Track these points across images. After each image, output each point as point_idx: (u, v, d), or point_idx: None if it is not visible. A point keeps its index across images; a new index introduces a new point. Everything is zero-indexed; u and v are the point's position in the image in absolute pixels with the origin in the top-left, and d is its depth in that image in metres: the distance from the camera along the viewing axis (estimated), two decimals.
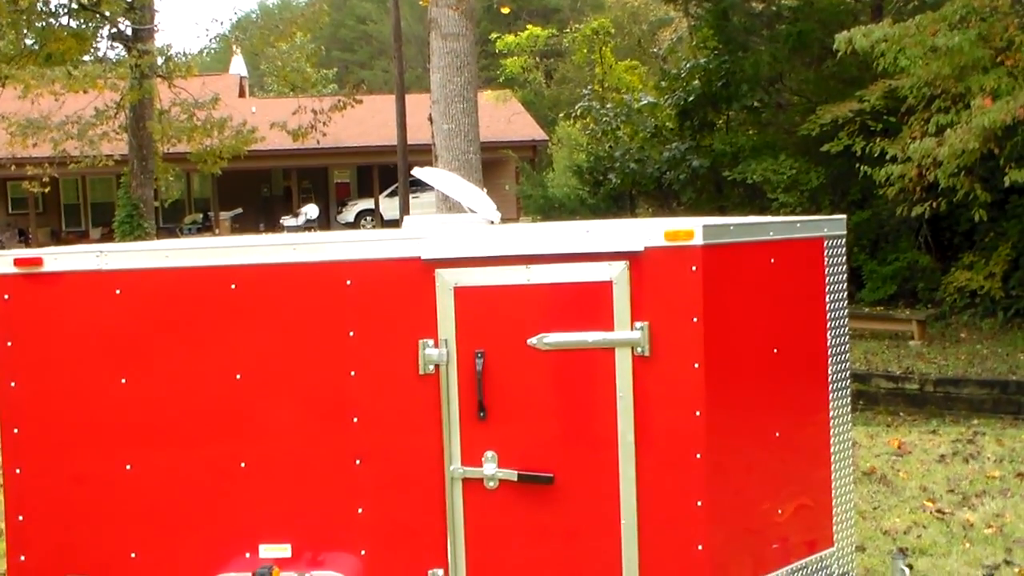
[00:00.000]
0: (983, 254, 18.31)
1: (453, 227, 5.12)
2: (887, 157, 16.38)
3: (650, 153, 23.43)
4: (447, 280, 4.62)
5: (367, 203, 41.44)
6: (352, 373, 4.67)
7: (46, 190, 24.74)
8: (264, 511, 4.73)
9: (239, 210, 40.78)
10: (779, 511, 5.02)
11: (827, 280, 5.20)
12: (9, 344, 4.76)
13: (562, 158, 34.28)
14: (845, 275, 5.27)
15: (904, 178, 16.04)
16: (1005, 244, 18.04)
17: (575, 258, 4.62)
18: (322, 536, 4.73)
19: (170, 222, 39.01)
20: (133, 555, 4.74)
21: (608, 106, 25.82)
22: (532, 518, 4.67)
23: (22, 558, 4.77)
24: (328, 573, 4.66)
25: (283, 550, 4.72)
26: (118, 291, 4.72)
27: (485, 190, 6.33)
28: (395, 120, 27.14)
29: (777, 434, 5.00)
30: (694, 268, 4.59)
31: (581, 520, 4.66)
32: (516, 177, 28.37)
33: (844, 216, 5.33)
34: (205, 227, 39.82)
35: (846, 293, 5.28)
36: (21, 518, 4.77)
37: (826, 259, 5.19)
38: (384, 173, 39.88)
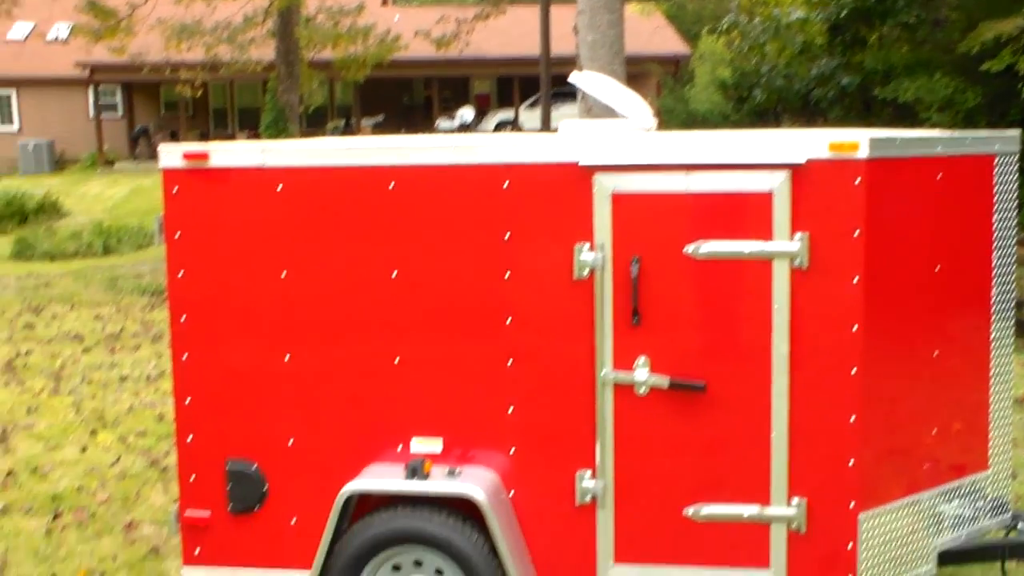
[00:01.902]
0: None
1: (611, 133, 5.09)
2: None
3: (797, 70, 22.85)
4: (605, 185, 4.61)
5: (507, 114, 41.37)
6: (507, 275, 4.72)
7: (198, 94, 25.29)
8: (417, 406, 4.83)
9: (380, 117, 41.16)
10: (933, 431, 4.94)
11: (996, 199, 5.04)
12: (178, 235, 4.92)
13: (704, 73, 33.66)
14: (1016, 195, 5.09)
15: None
16: None
17: (736, 167, 4.56)
18: (473, 433, 4.82)
19: (313, 127, 39.56)
20: (291, 442, 4.91)
21: (756, 21, 25.21)
22: (682, 425, 4.68)
23: (189, 439, 4.98)
24: (478, 468, 4.76)
25: (435, 444, 4.83)
26: (280, 186, 4.82)
27: None
28: (538, 31, 26.93)
29: (935, 354, 4.90)
30: (858, 181, 4.49)
31: (730, 430, 4.65)
32: (658, 91, 28.00)
33: (1017, 132, 5.13)
34: (347, 133, 40.29)
35: (1016, 214, 5.11)
36: (188, 401, 4.97)
37: (996, 177, 5.02)
38: (524, 84, 39.72)
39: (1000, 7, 18.78)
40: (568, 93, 29.81)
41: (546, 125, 25.45)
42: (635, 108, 5.39)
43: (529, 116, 39.07)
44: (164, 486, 7.36)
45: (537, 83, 33.64)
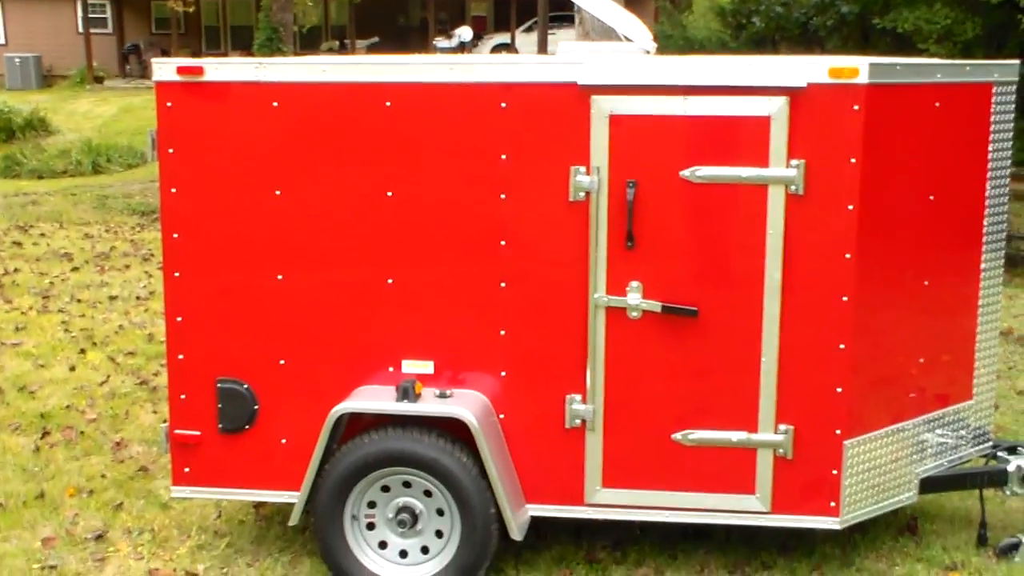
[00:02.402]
0: None
1: (610, 54, 5.04)
2: None
3: None
4: (603, 107, 4.57)
5: (503, 37, 40.95)
6: (502, 196, 4.69)
7: (190, 9, 25.02)
8: (408, 328, 4.83)
9: (375, 39, 40.69)
10: (920, 360, 4.96)
11: (992, 129, 5.01)
12: (171, 151, 4.87)
13: (703, 0, 33.36)
14: (1012, 126, 5.07)
15: None
16: None
17: (734, 91, 4.52)
18: (464, 355, 4.82)
19: (307, 48, 39.12)
20: (282, 362, 4.91)
21: None
22: (672, 350, 4.69)
23: (180, 356, 4.98)
24: (468, 391, 4.78)
25: (425, 366, 4.84)
26: (275, 103, 4.77)
27: None
28: None
29: (926, 283, 4.91)
30: (856, 107, 4.46)
31: (721, 356, 4.67)
32: (655, 16, 27.66)
33: (1018, 62, 5.09)
34: (342, 54, 39.91)
35: (1011, 145, 5.09)
36: (180, 319, 4.96)
37: (993, 107, 4.99)
38: (521, 7, 39.28)
39: None
40: (565, 17, 29.56)
41: (543, 49, 25.24)
42: (635, 31, 5.34)
43: (526, 40, 38.66)
44: (153, 405, 7.37)
45: (534, 6, 33.34)
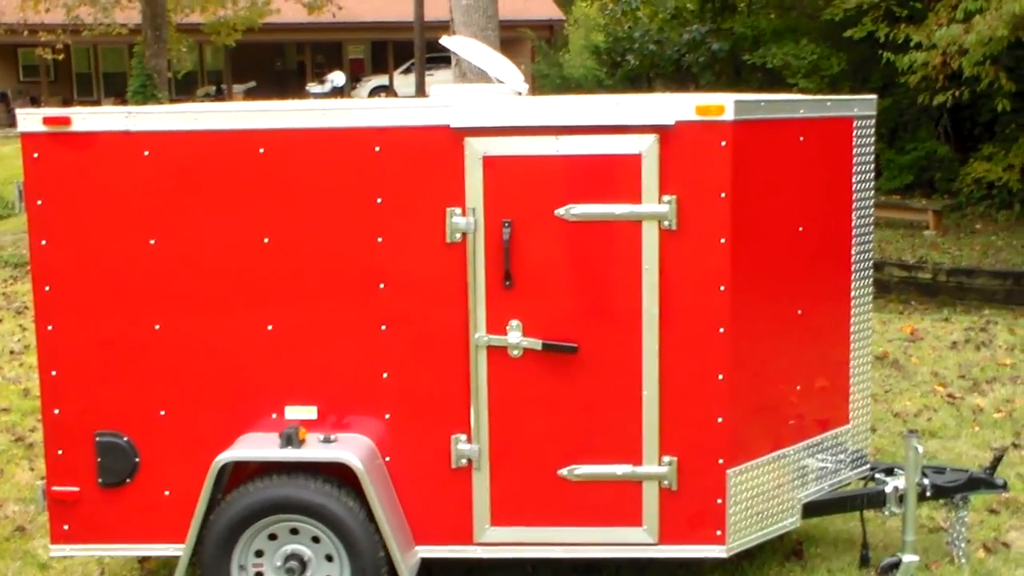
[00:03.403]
0: (1003, 145, 18.11)
1: (482, 97, 5.09)
2: (911, 44, 16.14)
3: (669, 35, 23.13)
4: (476, 149, 4.62)
5: (381, 79, 41.03)
6: (379, 239, 4.70)
7: (59, 57, 24.49)
8: (290, 374, 4.80)
9: (252, 83, 40.41)
10: (798, 387, 5.08)
11: (855, 161, 5.19)
12: (39, 203, 4.77)
13: (578, 38, 33.80)
14: (872, 157, 5.25)
15: (927, 66, 15.80)
16: None
17: (605, 130, 4.61)
18: (347, 399, 4.80)
19: (183, 94, 38.67)
20: (162, 413, 4.83)
21: None
22: (555, 387, 4.73)
23: (56, 411, 4.86)
24: (353, 435, 4.75)
25: (309, 412, 4.80)
26: (146, 152, 4.72)
27: None
28: None
29: (799, 312, 5.04)
30: (724, 143, 4.58)
31: (603, 391, 4.73)
32: (532, 56, 28.03)
33: (875, 96, 5.29)
34: (218, 99, 39.51)
35: (873, 175, 5.27)
36: (54, 373, 4.85)
37: (855, 140, 5.17)
38: (399, 49, 39.40)
39: None
40: (443, 58, 29.65)
41: (421, 90, 25.34)
42: (507, 72, 5.41)
43: (404, 82, 38.77)
44: (30, 463, 7.17)
45: (412, 48, 33.44)
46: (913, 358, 9.42)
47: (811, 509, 5.18)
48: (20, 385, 8.99)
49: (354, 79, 42.39)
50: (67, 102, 40.32)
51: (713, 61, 22.46)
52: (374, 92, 40.08)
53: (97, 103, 40.50)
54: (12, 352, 10.14)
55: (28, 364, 9.59)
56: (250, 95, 39.75)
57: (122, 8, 24.63)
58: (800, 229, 4.98)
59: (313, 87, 38.29)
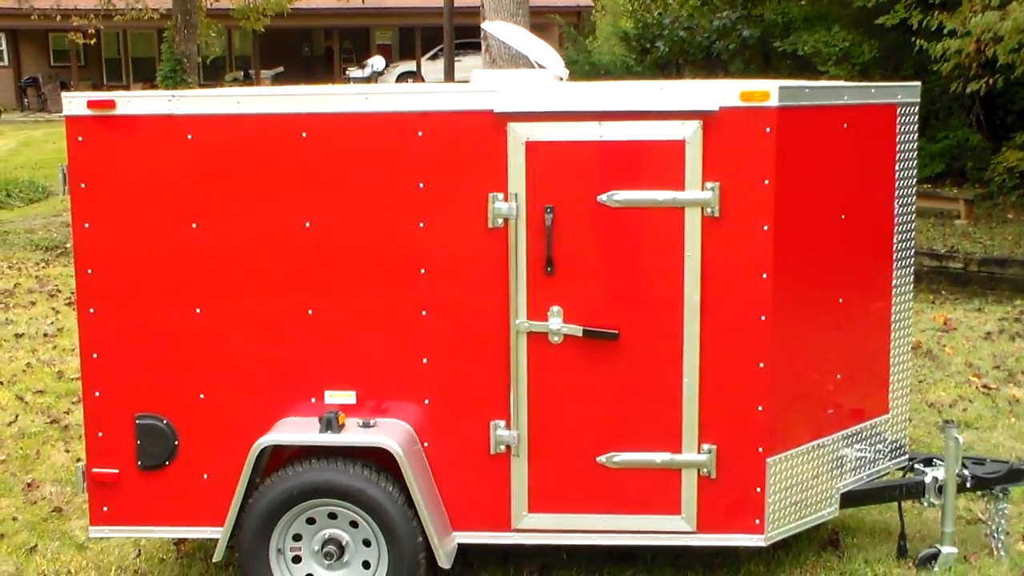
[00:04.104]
0: None
1: (524, 82, 5.08)
2: (944, 31, 16.00)
3: (700, 21, 22.96)
4: (519, 134, 4.60)
5: (408, 65, 41.03)
6: (421, 224, 4.70)
7: (91, 41, 24.62)
8: (330, 358, 4.80)
9: (280, 69, 40.47)
10: (837, 376, 5.06)
11: (898, 149, 5.15)
12: (83, 186, 4.79)
13: (606, 25, 33.61)
14: (915, 145, 5.20)
15: (961, 53, 15.68)
16: None
17: (648, 116, 4.59)
18: (386, 384, 4.81)
19: (211, 79, 38.78)
20: (202, 396, 4.85)
21: None
22: (594, 374, 4.72)
23: (97, 393, 4.88)
24: (392, 420, 4.76)
25: (348, 397, 4.80)
26: (190, 136, 4.73)
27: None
28: None
29: (840, 300, 5.01)
30: (768, 130, 4.55)
31: (643, 378, 4.71)
32: (560, 42, 27.87)
33: (918, 84, 5.24)
34: (247, 85, 39.59)
35: (915, 164, 5.22)
36: (95, 356, 4.87)
37: (898, 127, 5.13)
38: (427, 36, 39.38)
39: None
40: (471, 44, 29.66)
41: (450, 76, 25.27)
42: (548, 58, 5.39)
43: (431, 68, 38.78)
44: (65, 444, 7.21)
45: (438, 35, 33.38)
46: (947, 348, 9.35)
47: (849, 499, 5.16)
48: (55, 368, 9.05)
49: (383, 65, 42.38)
50: (96, 87, 40.53)
51: (743, 48, 22.30)
52: (401, 78, 40.08)
53: (126, 88, 40.66)
54: (46, 335, 10.20)
55: (62, 347, 9.66)
56: (277, 81, 39.82)
57: None
58: (842, 217, 4.95)
59: (353, 71, 38.26)
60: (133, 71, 41.72)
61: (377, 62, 34.92)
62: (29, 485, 6.55)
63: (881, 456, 5.32)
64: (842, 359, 5.07)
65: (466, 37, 31.18)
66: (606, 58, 25.30)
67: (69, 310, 11.07)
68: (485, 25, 5.83)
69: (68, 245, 14.74)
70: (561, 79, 5.31)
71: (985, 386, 8.18)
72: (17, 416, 7.80)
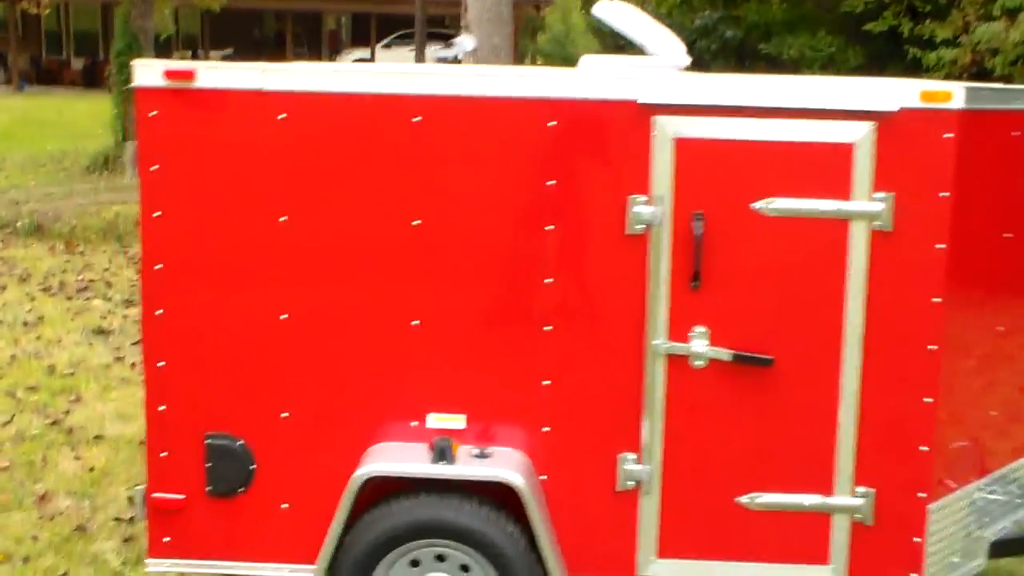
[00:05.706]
0: None
1: (649, 70, 4.51)
2: (937, 41, 15.77)
3: (681, 20, 22.57)
4: (667, 129, 4.03)
5: (363, 52, 40.19)
6: (548, 228, 4.10)
7: (46, 12, 23.57)
8: (436, 376, 4.19)
9: (230, 50, 39.46)
10: (992, 413, 4.55)
11: None
12: (154, 168, 4.13)
13: (556, 20, 33.14)
14: None
15: (956, 63, 15.44)
16: None
17: (816, 114, 4.04)
18: (501, 408, 4.21)
19: (159, 57, 37.71)
20: (285, 415, 4.21)
21: None
22: (740, 404, 4.17)
23: (161, 408, 4.23)
24: (507, 450, 4.16)
25: (456, 421, 4.20)
26: (282, 115, 4.09)
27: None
28: None
29: (1000, 329, 4.50)
30: (948, 135, 4.02)
31: (794, 410, 4.17)
32: (533, 36, 27.39)
33: None
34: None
35: None
36: (161, 364, 4.21)
37: None
38: (382, 22, 38.63)
39: None
40: (432, 34, 28.91)
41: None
42: (668, 45, 4.81)
43: (384, 56, 37.95)
44: (72, 449, 6.50)
45: (394, 22, 32.68)
46: None
47: (999, 548, 4.65)
48: (43, 361, 8.27)
49: (333, 52, 41.63)
50: (35, 60, 39.26)
51: (725, 48, 21.93)
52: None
53: (67, 63, 39.49)
54: (25, 323, 9.39)
55: (46, 337, 8.89)
56: (227, 62, 38.83)
57: None
58: (1007, 236, 4.44)
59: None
60: (75, 44, 40.43)
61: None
62: (42, 498, 5.84)
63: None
64: (998, 394, 4.57)
65: (430, 27, 30.44)
66: (580, 53, 24.94)
67: (46, 296, 10.28)
68: (596, 8, 5.22)
69: (19, 224, 13.84)
70: (682, 69, 4.74)
71: None
72: (13, 416, 7.05)
